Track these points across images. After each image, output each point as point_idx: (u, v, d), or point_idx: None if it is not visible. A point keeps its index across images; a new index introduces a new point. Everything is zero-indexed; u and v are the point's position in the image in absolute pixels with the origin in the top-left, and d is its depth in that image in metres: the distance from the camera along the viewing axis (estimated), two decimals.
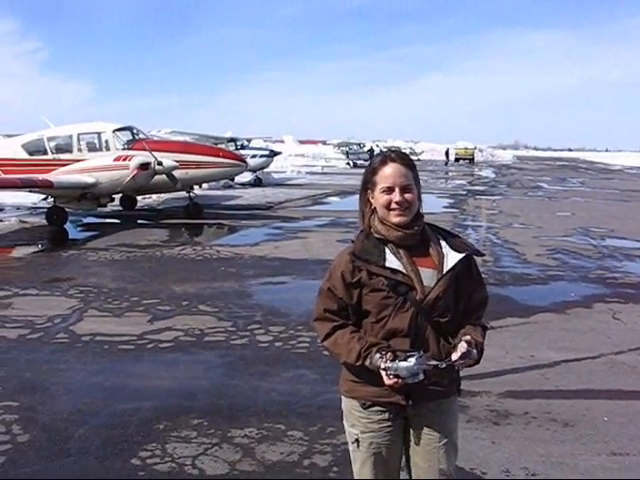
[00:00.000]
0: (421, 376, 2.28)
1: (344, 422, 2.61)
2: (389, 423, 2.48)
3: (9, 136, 19.42)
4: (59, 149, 16.61)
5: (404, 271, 2.40)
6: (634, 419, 4.64)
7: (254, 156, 27.58)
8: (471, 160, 65.55)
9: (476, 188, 29.67)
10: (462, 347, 2.32)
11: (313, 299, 2.60)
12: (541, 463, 3.97)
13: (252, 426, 4.42)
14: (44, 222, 14.77)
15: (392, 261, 2.41)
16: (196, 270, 10.00)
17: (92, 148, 16.53)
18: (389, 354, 2.31)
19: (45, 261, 10.74)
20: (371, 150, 49.13)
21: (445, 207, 20.08)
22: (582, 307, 7.88)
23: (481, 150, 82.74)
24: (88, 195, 15.12)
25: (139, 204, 18.93)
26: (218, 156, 16.84)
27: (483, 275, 2.69)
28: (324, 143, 66.49)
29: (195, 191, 17.56)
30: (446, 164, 58.76)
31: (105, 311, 7.44)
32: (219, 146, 22.17)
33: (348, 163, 50.06)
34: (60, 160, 16.06)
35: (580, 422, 4.56)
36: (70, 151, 16.44)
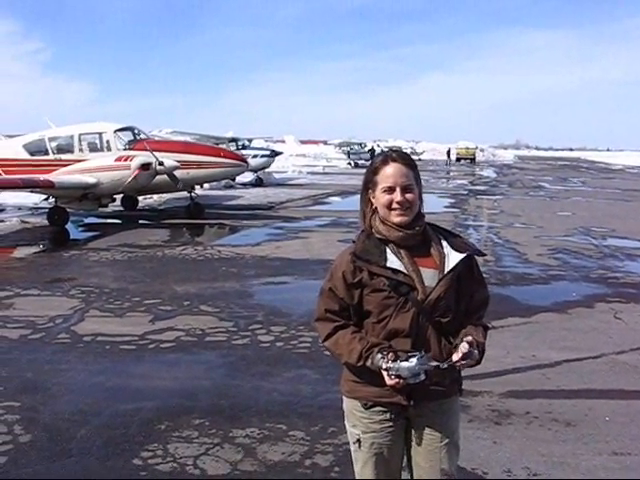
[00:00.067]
0: (422, 376, 2.28)
1: (345, 422, 2.60)
2: (390, 423, 2.48)
3: (11, 136, 19.42)
4: (60, 149, 16.62)
5: (405, 271, 2.40)
6: (636, 419, 4.63)
7: (255, 156, 27.58)
8: (472, 160, 65.52)
9: (477, 188, 29.66)
10: (463, 348, 2.31)
11: (314, 299, 2.60)
12: (543, 463, 3.97)
13: (253, 426, 4.42)
14: (45, 222, 14.80)
15: (393, 261, 2.41)
16: (197, 270, 10.00)
17: (93, 148, 16.54)
18: (390, 354, 2.31)
19: (46, 261, 10.75)
20: (372, 150, 49.11)
21: (446, 207, 20.07)
22: (583, 307, 7.87)
23: (482, 150, 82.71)
24: (89, 195, 15.13)
25: (140, 204, 18.95)
26: (219, 156, 16.85)
27: (484, 275, 2.68)
28: (325, 143, 66.49)
29: (196, 191, 17.57)
30: (447, 164, 58.71)
31: (106, 311, 7.44)
32: (220, 146, 22.18)
33: (349, 163, 50.05)
34: (61, 160, 16.07)
35: (582, 422, 4.56)
36: (71, 151, 16.46)
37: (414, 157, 3.17)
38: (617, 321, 7.25)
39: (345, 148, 52.48)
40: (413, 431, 2.51)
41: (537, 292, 8.76)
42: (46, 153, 16.59)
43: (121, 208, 18.15)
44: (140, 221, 16.34)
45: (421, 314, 2.39)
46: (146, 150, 15.24)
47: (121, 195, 17.25)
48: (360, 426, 2.51)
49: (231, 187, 26.76)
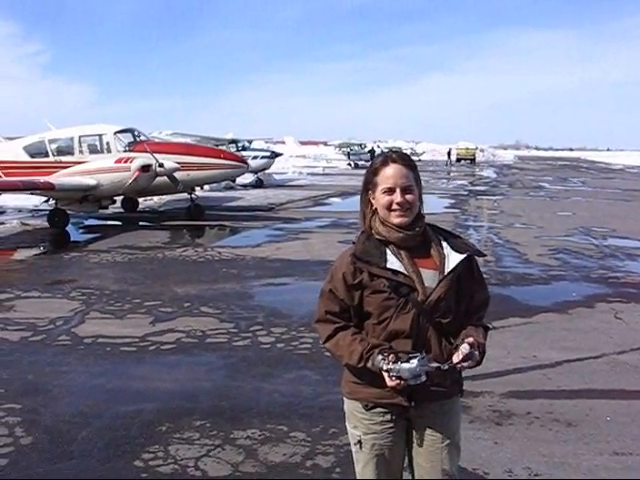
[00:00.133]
0: (423, 378, 2.28)
1: (346, 423, 2.60)
2: (391, 424, 2.48)
3: (11, 139, 19.43)
4: (60, 151, 16.63)
5: (405, 272, 2.40)
6: (637, 419, 4.63)
7: (255, 157, 27.58)
8: (472, 160, 65.55)
9: (477, 188, 29.67)
10: (464, 349, 2.31)
11: (315, 300, 2.60)
12: (544, 463, 3.97)
13: (254, 427, 4.42)
14: (46, 224, 14.81)
15: (393, 262, 2.41)
16: (198, 272, 10.00)
17: (93, 150, 16.56)
18: (391, 356, 2.31)
19: (47, 263, 10.75)
20: (372, 151, 49.12)
21: (446, 207, 20.08)
22: (584, 307, 7.87)
23: (482, 150, 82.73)
24: (90, 197, 15.14)
25: (140, 206, 18.97)
26: (219, 158, 16.85)
27: (485, 275, 2.69)
28: (325, 144, 66.52)
29: (196, 193, 17.57)
30: (447, 164, 58.73)
31: (107, 313, 7.44)
32: (220, 147, 22.19)
33: (349, 164, 50.06)
34: (61, 162, 16.09)
35: (582, 422, 4.56)
36: (71, 153, 16.47)
37: (414, 158, 3.17)
38: (618, 321, 7.25)
39: (345, 149, 52.51)
40: (414, 432, 2.51)
41: (538, 292, 8.76)
42: (46, 155, 16.60)
43: (121, 210, 18.15)
44: (140, 223, 16.35)
45: (421, 315, 2.39)
46: (146, 152, 15.25)
47: (121, 197, 17.26)
48: (361, 427, 2.51)
49: (231, 188, 26.77)
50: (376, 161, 2.55)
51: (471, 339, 2.36)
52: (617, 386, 5.27)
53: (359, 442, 2.52)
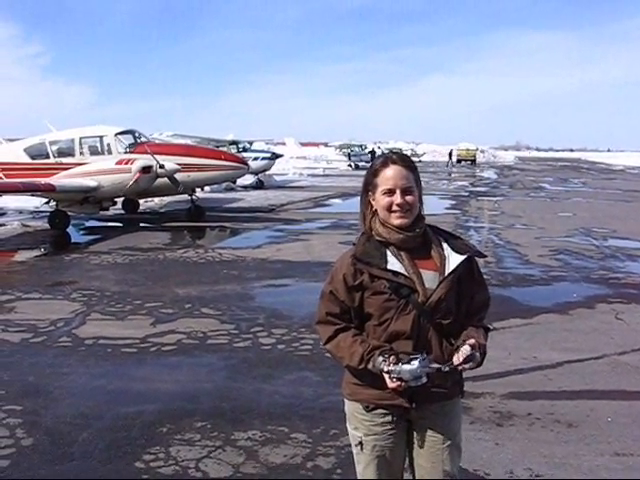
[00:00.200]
0: (424, 379, 2.28)
1: (347, 425, 2.61)
2: (392, 426, 2.48)
3: (11, 140, 19.45)
4: (61, 153, 16.65)
5: (406, 273, 2.40)
6: (638, 419, 4.63)
7: (256, 159, 27.58)
8: (473, 161, 65.57)
9: (478, 189, 29.68)
10: (466, 350, 2.31)
11: (315, 301, 2.60)
12: (545, 464, 3.97)
13: (255, 429, 4.42)
14: (46, 226, 14.81)
15: (394, 263, 2.41)
16: (198, 273, 10.01)
17: (94, 152, 16.56)
18: (392, 357, 2.31)
19: (48, 265, 10.75)
20: (373, 152, 49.14)
21: (447, 208, 20.08)
22: (585, 308, 7.87)
23: (483, 151, 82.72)
24: (90, 199, 15.16)
25: (141, 207, 18.98)
26: (220, 159, 16.86)
27: (485, 276, 2.69)
28: (326, 145, 66.58)
29: (197, 194, 17.58)
30: (447, 165, 58.74)
31: (108, 314, 7.44)
32: (221, 149, 22.20)
33: (350, 165, 50.08)
34: (62, 164, 16.09)
35: (583, 423, 4.56)
36: (72, 155, 16.48)
37: (415, 159, 3.18)
38: (618, 322, 7.25)
39: (345, 150, 52.52)
40: (415, 433, 2.52)
41: (538, 293, 8.76)
42: (47, 157, 16.61)
43: (122, 211, 18.17)
44: (141, 224, 16.34)
45: (422, 316, 2.39)
46: (147, 153, 15.26)
47: (122, 198, 17.27)
48: (362, 429, 2.51)
49: (232, 190, 26.78)
50: (376, 162, 2.55)
51: (472, 340, 2.36)
52: (618, 387, 5.27)
53: (360, 443, 2.52)
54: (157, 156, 15.26)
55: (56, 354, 6.03)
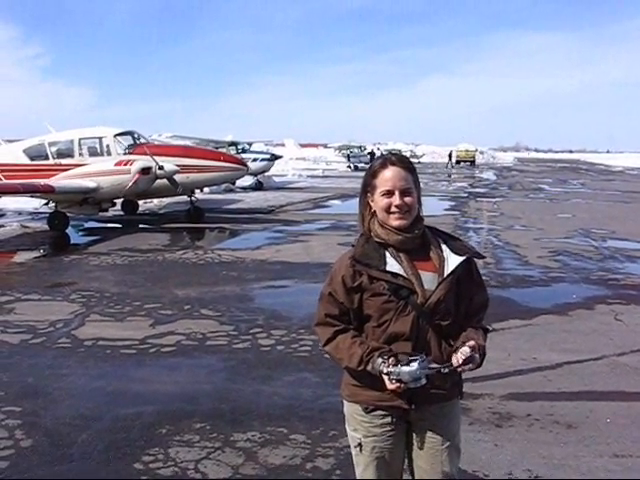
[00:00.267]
0: (423, 381, 2.28)
1: (346, 426, 2.61)
2: (392, 427, 2.48)
3: (10, 141, 19.45)
4: (60, 154, 16.64)
5: (405, 275, 2.40)
6: (637, 420, 4.63)
7: (255, 160, 27.59)
8: (472, 162, 65.62)
9: (477, 190, 29.69)
10: (465, 352, 2.31)
11: (315, 302, 2.60)
12: (544, 465, 3.97)
13: (254, 430, 4.42)
14: (46, 227, 14.81)
15: (393, 265, 2.41)
16: (198, 274, 10.01)
17: (93, 153, 16.56)
18: (391, 359, 2.31)
19: (47, 266, 10.75)
20: (372, 153, 49.18)
21: (446, 209, 20.10)
22: (584, 309, 7.87)
23: (482, 152, 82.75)
24: (89, 200, 15.15)
25: (140, 208, 18.97)
26: (219, 160, 16.85)
27: (484, 277, 2.69)
28: (325, 146, 66.55)
29: (196, 195, 17.58)
30: (447, 166, 58.76)
31: (107, 316, 7.44)
32: (220, 150, 22.20)
33: (349, 166, 50.11)
34: (61, 165, 16.09)
35: (583, 424, 4.56)
36: (71, 156, 16.47)
37: (414, 160, 3.18)
38: (618, 323, 7.25)
39: (345, 151, 52.56)
40: (414, 434, 2.52)
41: (537, 294, 8.76)
42: (46, 158, 16.60)
43: (121, 212, 18.17)
44: (140, 225, 16.34)
45: (421, 317, 2.39)
46: (146, 154, 15.26)
47: (121, 199, 17.27)
48: (361, 430, 2.51)
49: (231, 191, 26.77)
50: (375, 164, 2.54)
51: (472, 342, 2.36)
52: (617, 388, 5.28)
53: (359, 445, 2.53)
54: (156, 157, 15.25)
55: (55, 355, 6.03)
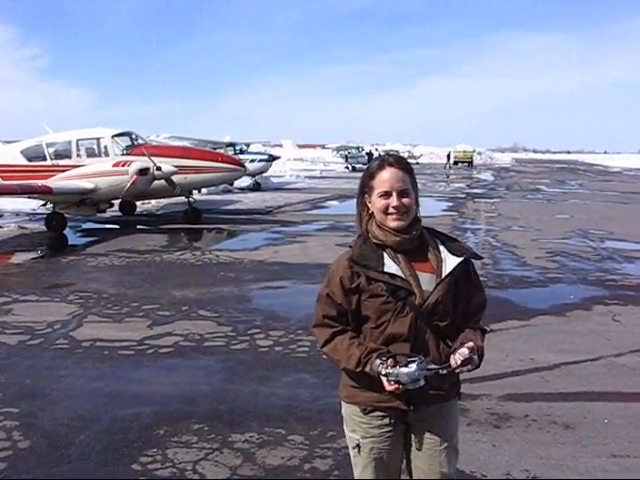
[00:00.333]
0: (422, 382, 2.28)
1: (344, 427, 2.61)
2: (390, 428, 2.48)
3: (8, 142, 19.42)
4: (58, 155, 16.62)
5: (403, 276, 2.40)
6: (634, 421, 4.64)
7: (253, 160, 27.60)
8: (470, 163, 65.64)
9: (475, 191, 29.71)
10: (464, 353, 2.31)
11: (313, 303, 2.61)
12: (541, 465, 3.98)
13: (253, 431, 4.42)
14: (43, 228, 14.78)
15: (390, 266, 2.41)
16: (196, 275, 10.00)
17: (91, 154, 16.54)
18: (390, 360, 2.31)
19: (44, 267, 10.74)
20: (370, 154, 49.19)
21: (444, 210, 20.11)
22: (581, 309, 7.88)
23: (480, 153, 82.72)
24: (87, 201, 15.14)
25: (138, 209, 18.96)
26: (217, 161, 16.85)
27: (482, 278, 2.70)
28: (323, 147, 66.52)
29: (194, 196, 17.57)
30: (445, 167, 58.79)
31: (105, 317, 7.44)
32: (218, 151, 22.19)
33: (347, 167, 50.12)
34: (59, 166, 16.06)
35: (580, 424, 4.56)
36: (69, 157, 16.45)
37: (412, 161, 3.18)
38: (615, 323, 7.26)
39: (343, 152, 52.56)
40: (412, 435, 2.52)
41: (535, 295, 8.77)
42: (44, 159, 16.58)
43: (119, 213, 18.14)
44: (138, 226, 16.33)
45: (419, 318, 2.39)
46: (144, 155, 15.25)
47: (119, 200, 17.25)
48: (359, 431, 2.52)
49: (229, 192, 26.75)
50: (372, 165, 2.55)
51: (471, 343, 2.36)
52: (614, 388, 5.28)
53: (357, 446, 2.53)
54: (154, 158, 15.24)
55: (53, 356, 6.02)
